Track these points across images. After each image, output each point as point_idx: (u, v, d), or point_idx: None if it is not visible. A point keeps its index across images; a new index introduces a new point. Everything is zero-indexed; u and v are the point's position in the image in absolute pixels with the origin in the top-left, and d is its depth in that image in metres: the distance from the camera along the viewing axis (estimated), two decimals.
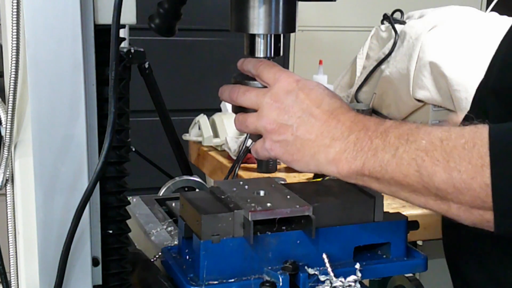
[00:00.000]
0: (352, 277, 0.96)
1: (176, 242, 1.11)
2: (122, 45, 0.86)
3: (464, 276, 1.07)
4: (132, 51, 2.11)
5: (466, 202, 0.82)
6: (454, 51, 1.88)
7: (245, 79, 1.00)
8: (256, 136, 0.99)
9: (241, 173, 1.77)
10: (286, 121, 0.93)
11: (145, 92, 2.32)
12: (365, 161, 0.88)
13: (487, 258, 1.02)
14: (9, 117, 0.83)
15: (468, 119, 0.86)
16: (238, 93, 0.98)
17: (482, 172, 0.80)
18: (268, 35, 0.98)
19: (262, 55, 0.99)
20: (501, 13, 2.07)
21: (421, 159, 0.84)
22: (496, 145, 0.80)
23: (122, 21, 0.81)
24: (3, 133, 0.85)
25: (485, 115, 0.93)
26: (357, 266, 0.97)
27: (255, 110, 0.96)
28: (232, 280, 0.94)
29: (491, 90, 1.04)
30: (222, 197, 1.01)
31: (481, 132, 0.82)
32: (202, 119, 2.04)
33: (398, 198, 0.90)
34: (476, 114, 0.88)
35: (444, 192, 0.83)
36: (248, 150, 1.76)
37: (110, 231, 0.90)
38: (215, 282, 0.93)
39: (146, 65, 2.28)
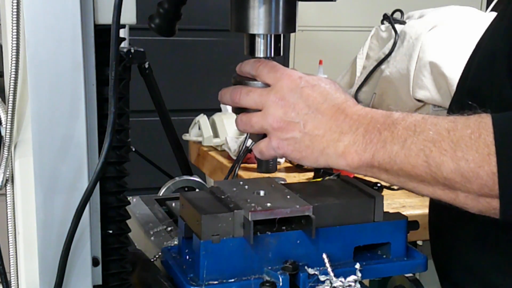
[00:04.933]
0: (352, 277, 0.96)
1: (176, 242, 1.11)
2: (122, 45, 0.86)
3: (454, 283, 1.07)
4: (132, 51, 2.12)
5: (473, 191, 0.83)
6: (454, 51, 1.88)
7: (245, 79, 0.99)
8: (257, 136, 0.98)
9: (241, 173, 1.77)
10: (293, 118, 0.93)
11: (145, 92, 2.32)
12: (375, 153, 0.88)
13: (477, 264, 1.02)
14: (9, 117, 0.83)
15: (472, 109, 0.86)
16: (241, 94, 0.97)
17: (489, 160, 0.81)
18: (268, 35, 0.98)
19: (262, 55, 0.99)
20: None
21: (429, 149, 0.84)
22: (500, 134, 0.81)
23: (122, 21, 0.81)
24: (3, 133, 0.85)
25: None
26: (357, 266, 0.97)
27: (257, 110, 0.96)
28: (232, 280, 0.94)
29: (468, 90, 1.04)
30: (222, 197, 1.01)
31: (485, 122, 0.83)
32: (202, 119, 2.04)
33: (406, 189, 0.91)
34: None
35: (452, 182, 0.84)
36: (248, 150, 1.76)
37: (110, 231, 0.90)
38: (215, 282, 0.93)
39: (146, 65, 2.29)
